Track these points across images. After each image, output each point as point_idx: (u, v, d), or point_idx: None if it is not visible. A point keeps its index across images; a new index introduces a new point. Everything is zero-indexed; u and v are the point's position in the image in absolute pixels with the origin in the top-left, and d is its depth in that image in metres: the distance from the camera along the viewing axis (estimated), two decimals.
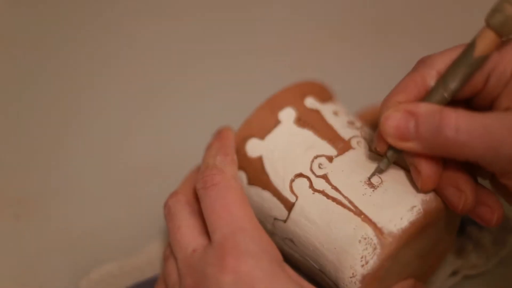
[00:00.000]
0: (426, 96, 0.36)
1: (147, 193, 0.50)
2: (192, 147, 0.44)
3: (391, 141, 0.36)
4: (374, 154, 0.40)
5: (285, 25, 0.60)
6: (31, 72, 0.56)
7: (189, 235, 0.38)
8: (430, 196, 0.37)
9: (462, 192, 0.36)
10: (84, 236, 0.48)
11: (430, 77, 0.36)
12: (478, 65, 0.35)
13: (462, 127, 0.33)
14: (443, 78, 0.35)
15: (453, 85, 0.35)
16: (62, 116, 0.55)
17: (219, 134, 0.42)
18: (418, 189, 0.37)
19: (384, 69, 0.55)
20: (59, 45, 0.58)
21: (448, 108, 0.34)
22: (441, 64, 0.36)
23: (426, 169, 0.36)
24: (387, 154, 0.37)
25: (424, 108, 0.34)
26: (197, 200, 0.39)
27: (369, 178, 0.38)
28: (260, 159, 0.41)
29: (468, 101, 0.38)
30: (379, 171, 0.38)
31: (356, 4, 0.60)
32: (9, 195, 0.50)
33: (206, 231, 0.38)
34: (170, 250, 0.40)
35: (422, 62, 0.37)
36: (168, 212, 0.40)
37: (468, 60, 0.35)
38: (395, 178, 0.38)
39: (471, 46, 0.35)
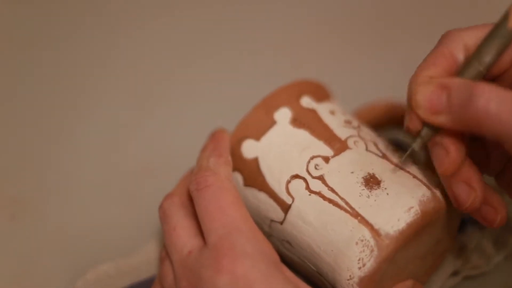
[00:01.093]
0: (460, 71, 0.35)
1: (144, 194, 0.50)
2: (189, 148, 0.44)
3: (423, 114, 0.35)
4: (371, 154, 0.39)
5: (282, 23, 0.59)
6: (28, 72, 0.56)
7: (184, 236, 0.38)
8: (427, 197, 0.37)
9: (473, 190, 0.36)
10: (81, 237, 0.48)
11: (457, 50, 0.36)
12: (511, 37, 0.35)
13: (493, 99, 0.32)
14: (477, 52, 0.35)
15: (487, 58, 0.35)
16: (58, 116, 0.55)
17: (213, 136, 0.41)
18: (437, 173, 0.36)
19: (382, 67, 0.55)
20: (56, 44, 0.57)
21: (481, 81, 0.34)
22: (468, 38, 0.36)
23: (455, 151, 0.35)
24: (421, 133, 0.36)
25: (458, 81, 0.34)
26: (192, 201, 0.39)
27: (402, 161, 0.38)
28: (255, 160, 0.40)
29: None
30: (412, 152, 0.37)
31: (355, 2, 0.60)
32: (5, 195, 0.50)
33: (202, 232, 0.37)
34: (166, 252, 0.40)
35: (448, 37, 0.36)
36: (163, 214, 0.40)
37: (502, 32, 0.34)
38: (392, 179, 0.38)
39: (504, 19, 0.34)
